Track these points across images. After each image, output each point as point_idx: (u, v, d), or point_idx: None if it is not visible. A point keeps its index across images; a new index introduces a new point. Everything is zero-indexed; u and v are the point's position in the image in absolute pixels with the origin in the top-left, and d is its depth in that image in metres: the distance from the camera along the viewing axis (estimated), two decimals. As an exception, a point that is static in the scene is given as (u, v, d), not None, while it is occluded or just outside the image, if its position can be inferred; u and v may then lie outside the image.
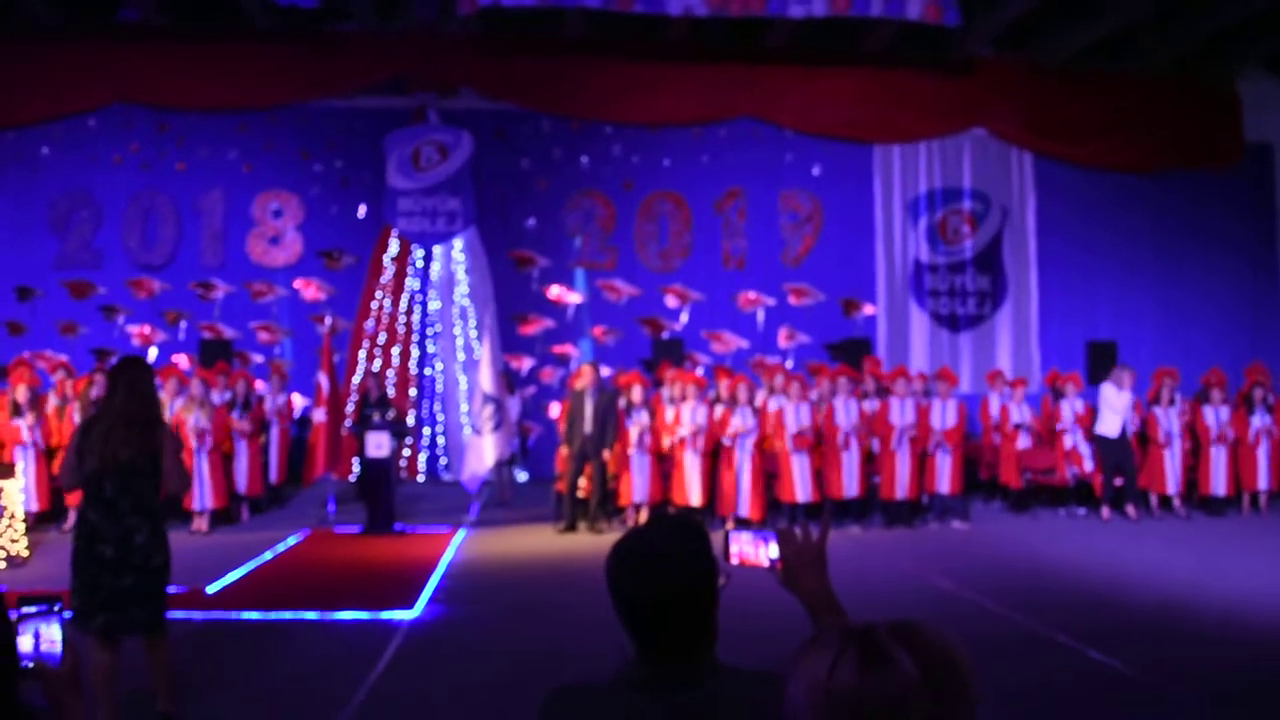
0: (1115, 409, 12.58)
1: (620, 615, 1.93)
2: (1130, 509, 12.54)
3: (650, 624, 1.89)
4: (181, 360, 14.19)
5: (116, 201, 15.14)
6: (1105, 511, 12.51)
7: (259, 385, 13.37)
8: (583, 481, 11.85)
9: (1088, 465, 12.74)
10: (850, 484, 12.05)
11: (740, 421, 11.84)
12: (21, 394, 11.69)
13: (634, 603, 1.90)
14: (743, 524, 11.78)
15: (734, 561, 2.18)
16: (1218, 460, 12.86)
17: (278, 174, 15.44)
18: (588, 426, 11.64)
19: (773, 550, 2.16)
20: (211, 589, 8.62)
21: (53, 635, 1.96)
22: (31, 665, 1.95)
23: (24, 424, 11.58)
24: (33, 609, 1.96)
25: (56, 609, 1.97)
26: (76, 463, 5.09)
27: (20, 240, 14.97)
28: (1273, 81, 16.63)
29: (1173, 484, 12.70)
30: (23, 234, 14.98)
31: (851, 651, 1.26)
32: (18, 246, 14.95)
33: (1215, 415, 12.95)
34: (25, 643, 1.94)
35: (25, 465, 11.27)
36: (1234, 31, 14.79)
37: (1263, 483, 12.94)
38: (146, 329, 14.96)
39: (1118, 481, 12.63)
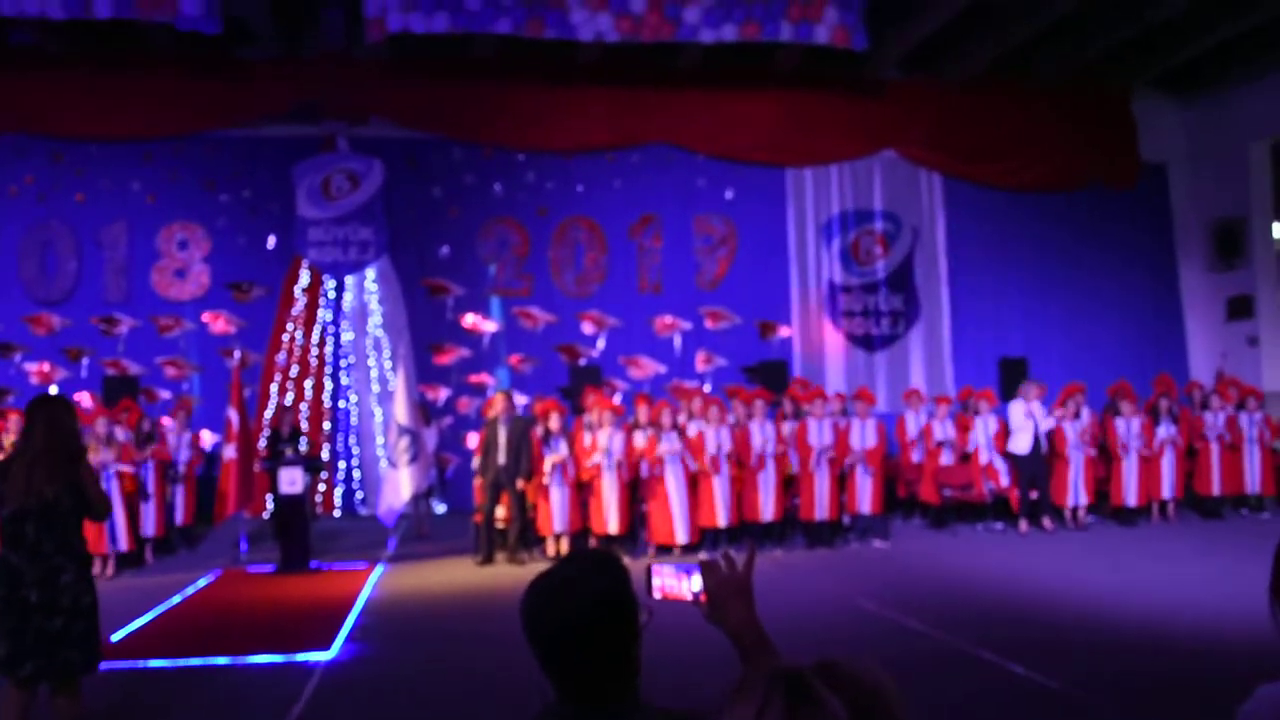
0: (1023, 425, 12.82)
1: (536, 655, 1.84)
2: (1046, 522, 12.76)
3: (566, 664, 1.81)
4: (84, 398, 13.72)
5: (11, 234, 14.59)
6: (1023, 525, 12.71)
7: (165, 423, 12.97)
8: (501, 511, 11.69)
9: (1004, 481, 12.94)
10: (767, 506, 12.06)
11: (667, 445, 11.79)
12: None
13: (548, 642, 1.82)
14: (663, 551, 11.73)
15: (656, 595, 2.09)
16: (1129, 471, 13.14)
17: (183, 205, 15.04)
18: (502, 456, 11.50)
19: (696, 583, 2.09)
20: (116, 636, 8.27)
21: None
22: None
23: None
24: None
25: None
26: None
27: (-92, 275, 14.38)
28: (1165, 101, 17.21)
29: (1074, 496, 12.95)
30: (-90, 268, 14.40)
31: (778, 697, 1.21)
32: (-94, 281, 14.36)
33: (1126, 426, 13.24)
34: None
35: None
36: (1128, 50, 15.24)
37: (1168, 492, 13.28)
38: (46, 366, 14.44)
39: (1032, 495, 12.84)
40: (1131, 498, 13.14)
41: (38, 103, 14.18)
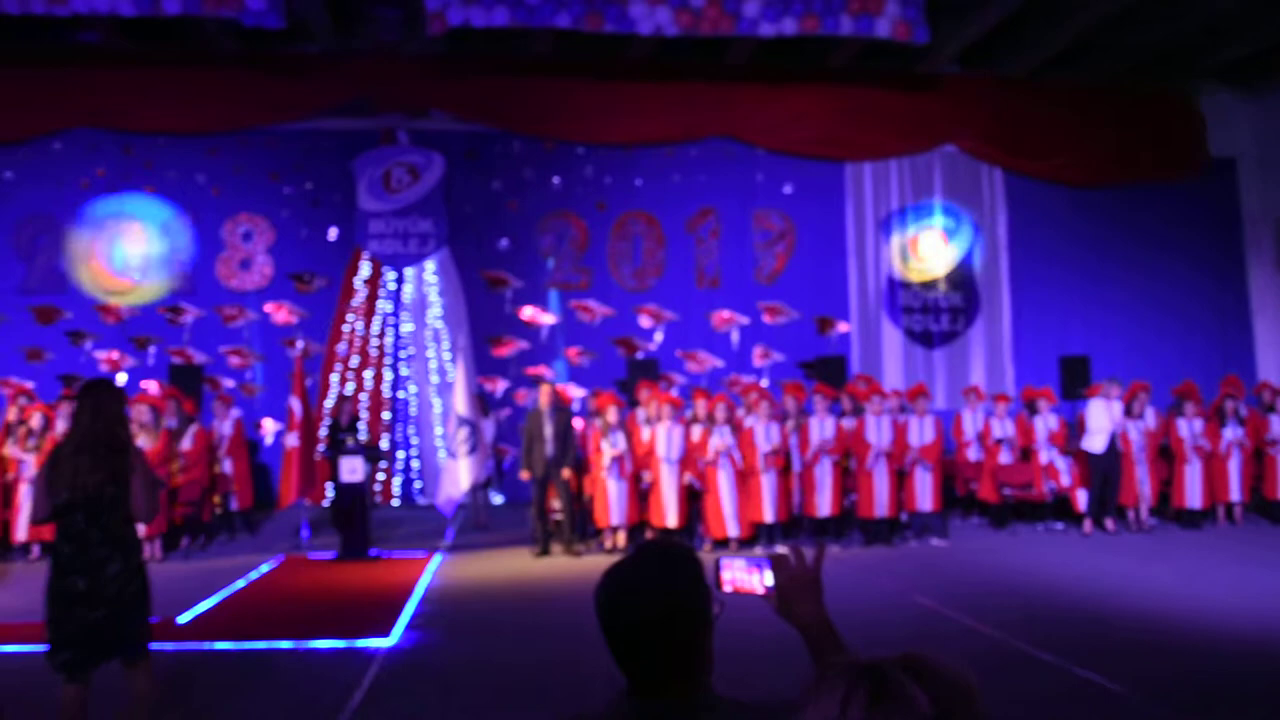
0: (1104, 423, 12.61)
1: (610, 646, 1.86)
2: (1109, 523, 12.57)
3: (641, 656, 1.83)
4: (151, 385, 14.00)
5: (83, 225, 14.95)
6: (1087, 526, 12.54)
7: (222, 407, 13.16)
8: (555, 503, 11.77)
9: (1065, 480, 12.76)
10: (823, 502, 12.01)
11: (719, 440, 11.79)
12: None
13: (624, 634, 1.83)
14: (719, 546, 11.73)
15: (727, 589, 2.11)
16: (1192, 473, 12.90)
17: (247, 197, 15.32)
18: (549, 448, 11.56)
19: (767, 577, 2.10)
20: (183, 619, 8.46)
21: None
22: None
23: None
24: None
25: None
26: (47, 495, 4.93)
27: (-16, 265, 14.79)
28: (1232, 95, 16.84)
29: (1144, 497, 12.74)
30: (-13, 259, 14.80)
31: (861, 690, 1.22)
32: (-18, 272, 14.77)
33: (1189, 428, 13.00)
34: None
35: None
36: (1192, 42, 14.93)
37: (1235, 494, 13.02)
38: (115, 354, 14.76)
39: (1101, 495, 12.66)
40: (1195, 500, 12.90)
41: (108, 98, 14.47)
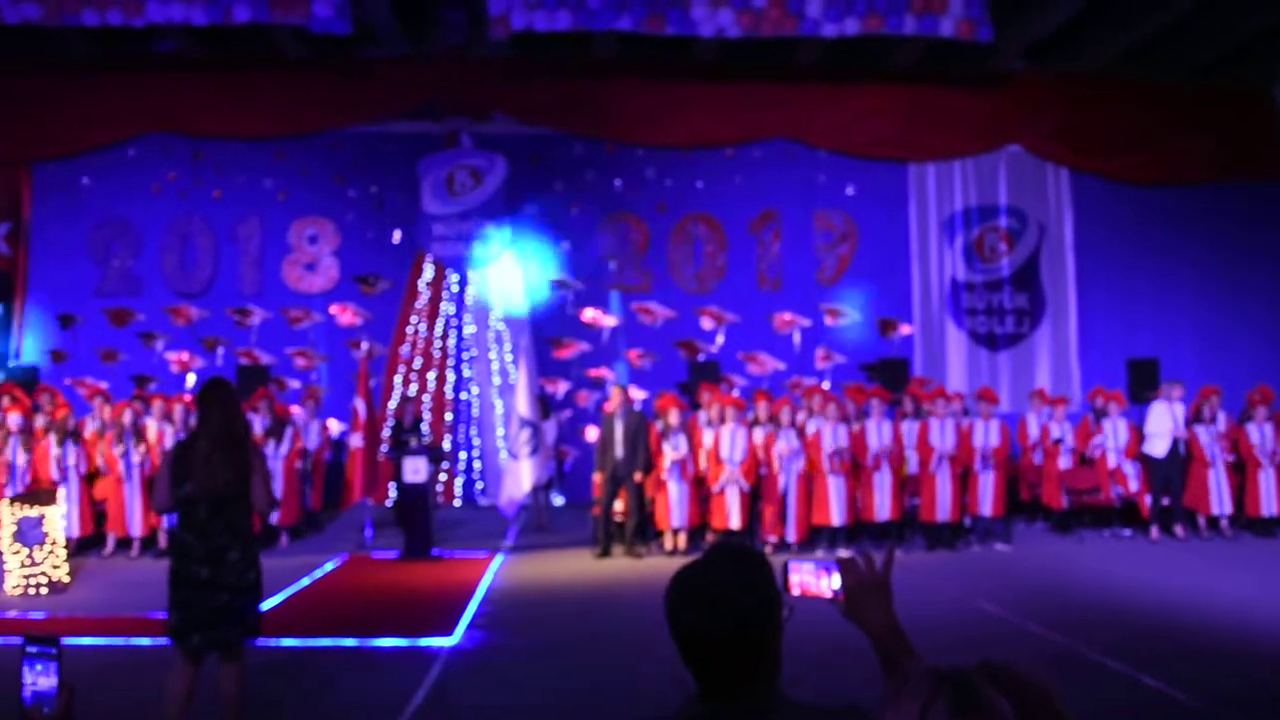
0: (1165, 427, 12.36)
1: (681, 650, 1.86)
2: (1179, 530, 12.32)
3: (713, 660, 1.82)
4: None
5: (155, 229, 15.36)
6: (1154, 532, 12.29)
7: (294, 411, 13.39)
8: (619, 505, 11.78)
9: (1133, 485, 12.53)
10: (883, 506, 11.90)
11: (785, 444, 11.74)
12: (68, 421, 11.79)
13: (696, 639, 1.83)
14: (779, 548, 11.66)
15: (795, 592, 2.10)
16: (1266, 480, 12.58)
17: (313, 200, 15.57)
18: (619, 450, 11.58)
19: (835, 581, 2.09)
20: (250, 616, 8.59)
21: (49, 677, 1.96)
22: (29, 706, 1.95)
23: (66, 451, 11.65)
24: (35, 649, 1.96)
25: (55, 651, 1.97)
26: (170, 486, 5.12)
27: (62, 268, 15.21)
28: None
29: (1218, 504, 12.45)
30: (64, 262, 15.23)
31: (943, 697, 1.20)
32: (60, 275, 15.19)
33: (1260, 433, 12.69)
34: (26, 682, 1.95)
35: (66, 492, 11.32)
36: (1267, 38, 14.57)
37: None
38: (185, 355, 15.07)
39: (1165, 501, 12.40)
40: (1270, 507, 12.58)
41: (180, 105, 14.85)
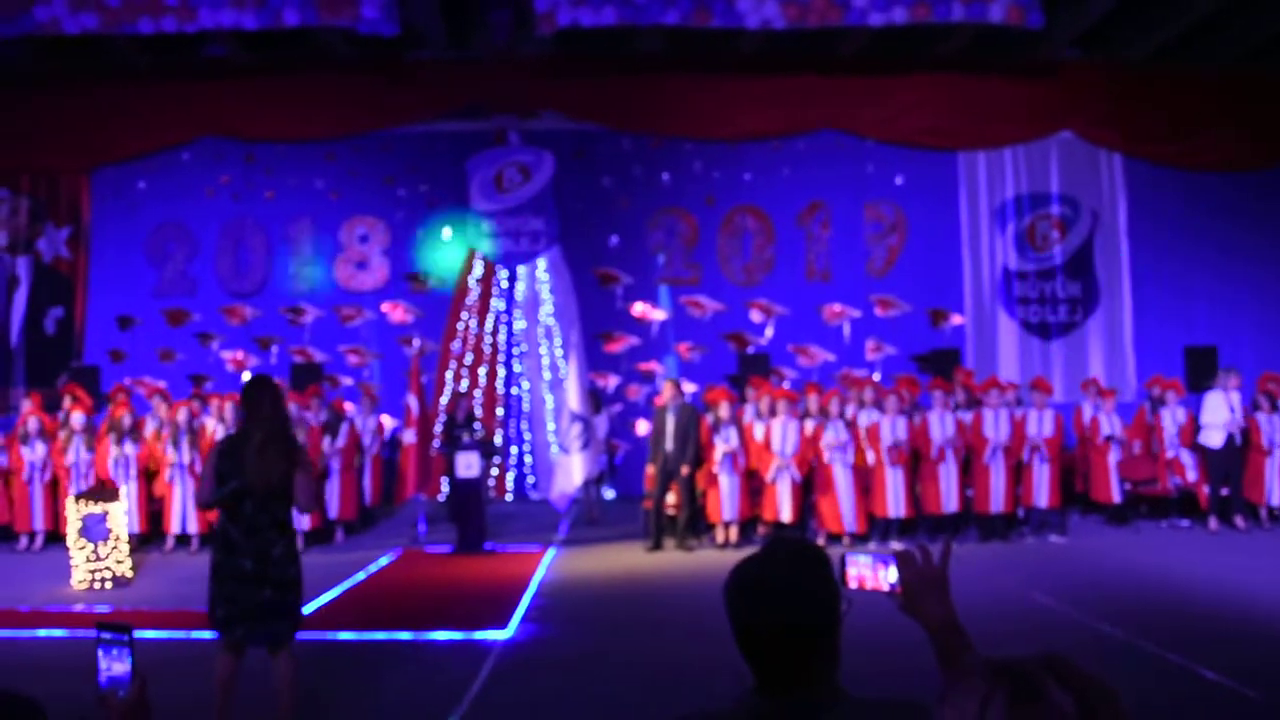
0: (1220, 417, 12.16)
1: (740, 645, 1.87)
2: (1239, 520, 12.12)
3: (773, 655, 1.84)
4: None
5: (209, 231, 15.61)
6: (1213, 523, 12.10)
7: (349, 408, 13.55)
8: (671, 498, 11.80)
9: (1190, 475, 12.34)
10: (949, 499, 11.81)
11: (834, 436, 11.70)
12: (126, 419, 12.02)
13: (756, 634, 1.85)
14: (833, 540, 11.62)
15: (852, 585, 2.11)
16: (1329, 469, 12.33)
17: (363, 200, 15.74)
18: (669, 444, 11.59)
19: (892, 574, 2.10)
20: (307, 609, 8.70)
21: (123, 663, 2.00)
22: (103, 692, 2.00)
23: (125, 448, 11.88)
24: (108, 635, 2.01)
25: (127, 638, 2.01)
26: (215, 482, 5.20)
27: (121, 271, 15.52)
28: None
29: (1277, 493, 12.22)
30: (123, 265, 15.54)
31: (1003, 690, 1.20)
32: (119, 277, 15.50)
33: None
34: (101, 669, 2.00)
35: (127, 489, 11.56)
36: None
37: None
38: (240, 354, 15.31)
39: (1224, 491, 12.20)
40: (1333, 496, 12.34)
41: (230, 109, 15.06)
